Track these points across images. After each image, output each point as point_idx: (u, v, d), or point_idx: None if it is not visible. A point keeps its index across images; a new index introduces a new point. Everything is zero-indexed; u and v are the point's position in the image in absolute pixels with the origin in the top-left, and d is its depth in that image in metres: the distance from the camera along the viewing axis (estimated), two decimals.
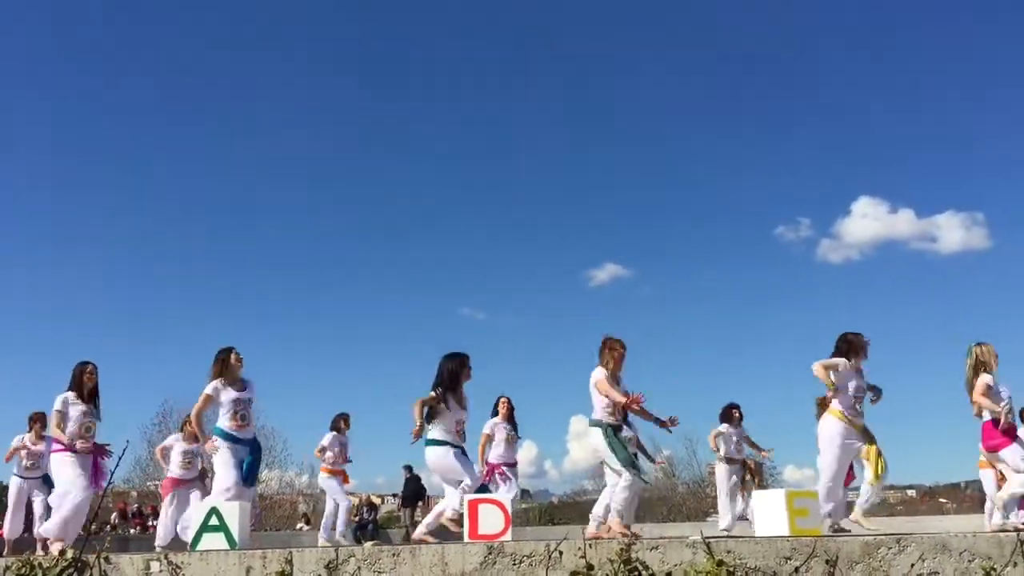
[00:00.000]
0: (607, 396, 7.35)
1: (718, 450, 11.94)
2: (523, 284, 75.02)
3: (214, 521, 6.59)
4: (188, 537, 7.68)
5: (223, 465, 7.68)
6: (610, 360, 7.53)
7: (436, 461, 7.67)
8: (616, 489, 7.30)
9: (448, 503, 7.50)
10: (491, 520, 6.25)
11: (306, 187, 70.65)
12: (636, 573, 4.91)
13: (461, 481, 7.43)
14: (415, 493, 19.41)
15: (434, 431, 7.68)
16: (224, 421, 7.81)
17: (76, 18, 65.83)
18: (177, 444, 10.65)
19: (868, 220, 79.39)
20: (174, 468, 10.54)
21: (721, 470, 11.97)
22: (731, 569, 4.89)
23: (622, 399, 7.30)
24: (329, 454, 12.13)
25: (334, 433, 12.17)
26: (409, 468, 19.57)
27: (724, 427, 11.95)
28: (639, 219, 78.45)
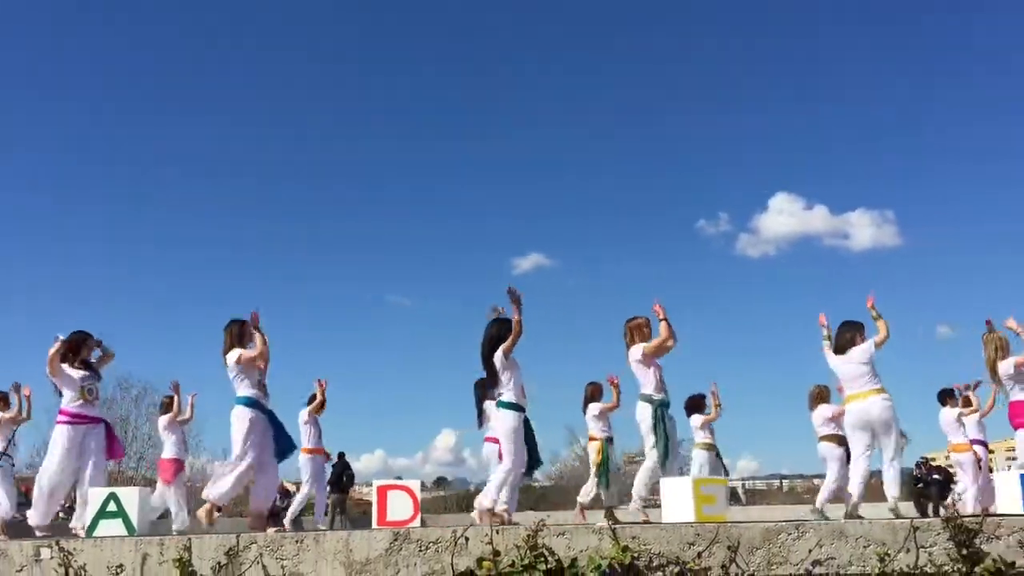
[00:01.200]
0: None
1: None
2: (449, 271, 75.01)
3: (112, 507, 6.38)
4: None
5: (245, 435, 7.18)
6: (640, 338, 7.67)
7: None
8: (642, 468, 7.44)
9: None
10: (400, 506, 6.19)
11: (227, 174, 69.52)
12: (542, 558, 4.92)
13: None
14: (339, 478, 19.16)
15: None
16: (247, 391, 7.25)
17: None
18: None
19: (784, 216, 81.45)
20: None
21: (705, 456, 12.15)
22: (635, 554, 4.93)
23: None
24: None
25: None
26: (341, 455, 19.35)
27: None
28: (565, 210, 79.05)
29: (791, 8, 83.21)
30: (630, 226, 77.21)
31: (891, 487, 8.01)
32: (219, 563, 5.18)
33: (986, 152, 78.94)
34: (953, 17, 78.44)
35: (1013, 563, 4.92)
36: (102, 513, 6.35)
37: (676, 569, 4.90)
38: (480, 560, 4.96)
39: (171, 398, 11.14)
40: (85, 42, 66.15)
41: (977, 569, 4.88)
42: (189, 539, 5.30)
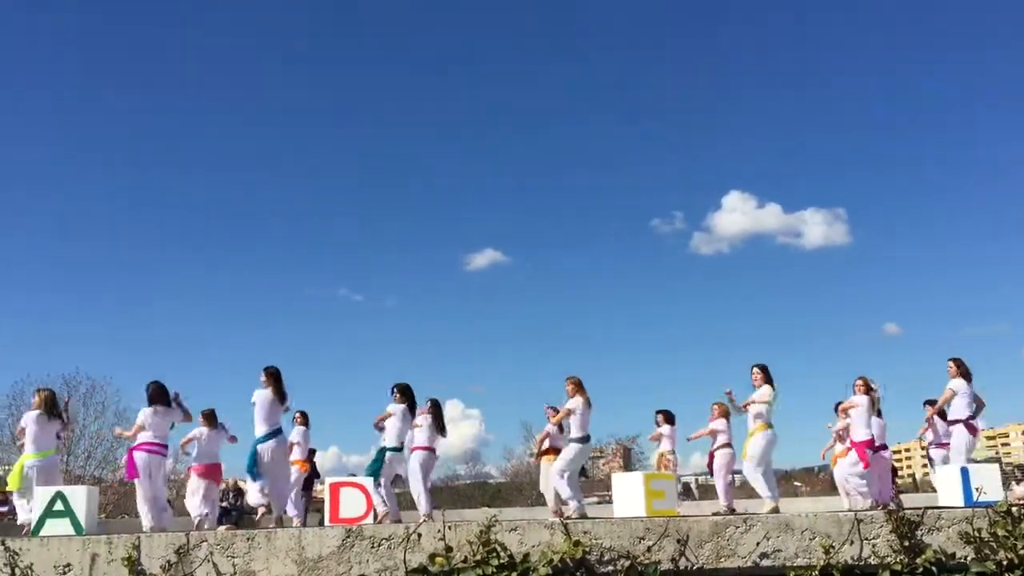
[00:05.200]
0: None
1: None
2: (402, 266, 74.74)
3: (59, 506, 6.26)
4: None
5: None
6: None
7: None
8: None
9: None
10: (352, 504, 6.17)
11: (177, 168, 68.47)
12: (494, 554, 4.96)
13: None
14: (308, 478, 18.85)
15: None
16: None
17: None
18: None
19: (737, 215, 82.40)
20: None
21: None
22: (587, 549, 4.99)
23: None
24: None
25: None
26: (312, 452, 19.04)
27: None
28: (519, 207, 79.21)
29: (762, 8, 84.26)
30: (585, 223, 77.68)
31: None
32: (169, 561, 5.13)
33: (935, 153, 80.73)
34: (914, 15, 79.97)
35: (953, 554, 5.07)
36: (48, 512, 6.24)
37: (627, 563, 4.97)
38: (433, 556, 4.98)
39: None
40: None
41: (919, 560, 5.01)
42: (138, 538, 5.24)
